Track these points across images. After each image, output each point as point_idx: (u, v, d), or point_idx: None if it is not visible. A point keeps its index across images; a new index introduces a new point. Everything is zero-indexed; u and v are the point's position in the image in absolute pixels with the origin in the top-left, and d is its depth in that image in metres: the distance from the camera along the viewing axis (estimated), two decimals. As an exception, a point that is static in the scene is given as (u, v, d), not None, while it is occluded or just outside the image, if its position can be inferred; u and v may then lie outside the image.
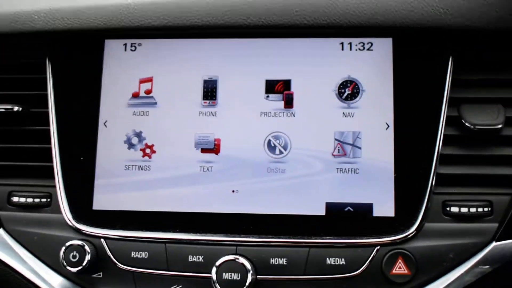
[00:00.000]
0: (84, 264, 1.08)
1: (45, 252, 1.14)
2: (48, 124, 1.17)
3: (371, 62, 1.13)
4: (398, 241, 1.07)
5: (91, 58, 1.19)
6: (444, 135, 1.10)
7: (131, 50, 1.19)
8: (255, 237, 1.09)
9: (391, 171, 1.10)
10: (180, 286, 1.09)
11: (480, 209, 1.08)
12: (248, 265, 1.05)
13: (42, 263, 1.15)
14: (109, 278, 1.11)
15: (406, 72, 1.12)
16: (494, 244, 1.07)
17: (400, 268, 1.06)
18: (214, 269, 1.05)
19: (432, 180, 1.08)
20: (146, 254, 1.10)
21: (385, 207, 1.09)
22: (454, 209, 1.09)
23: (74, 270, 1.09)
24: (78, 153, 1.16)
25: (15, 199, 1.18)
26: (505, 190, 1.10)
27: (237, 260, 1.05)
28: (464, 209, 1.08)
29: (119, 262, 1.11)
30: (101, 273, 1.12)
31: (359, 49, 1.14)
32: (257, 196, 1.10)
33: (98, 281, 1.12)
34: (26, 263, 1.14)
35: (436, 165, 1.08)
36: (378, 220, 1.08)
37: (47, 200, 1.17)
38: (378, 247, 1.07)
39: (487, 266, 1.07)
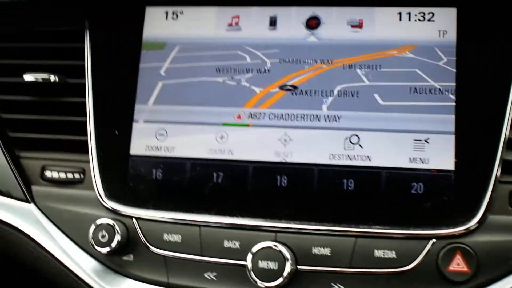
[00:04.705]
0: (113, 244, 1.02)
1: (75, 231, 1.08)
2: (84, 95, 1.11)
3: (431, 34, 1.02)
4: (456, 234, 0.95)
5: (131, 27, 1.12)
6: (513, 117, 0.97)
7: (173, 18, 1.11)
8: (297, 224, 0.99)
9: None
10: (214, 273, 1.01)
11: (553, 202, 0.95)
12: (287, 253, 0.96)
13: (73, 243, 1.08)
14: (140, 262, 1.04)
15: (471, 47, 1.00)
16: None
17: (458, 265, 0.94)
18: (249, 256, 0.96)
19: (497, 167, 0.96)
20: (179, 237, 1.03)
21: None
22: (523, 201, 0.96)
23: (103, 250, 1.02)
24: (114, 127, 1.10)
25: (48, 173, 1.12)
26: None
27: (275, 247, 0.96)
28: (535, 201, 0.96)
29: (151, 245, 1.04)
30: (131, 255, 1.05)
31: (419, 19, 1.03)
32: None
33: (129, 264, 1.05)
34: (56, 242, 1.08)
35: (503, 150, 0.96)
36: (436, 210, 0.96)
37: (80, 176, 1.11)
38: (434, 240, 0.96)
39: (559, 267, 0.94)
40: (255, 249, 0.97)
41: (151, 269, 1.04)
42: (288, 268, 0.95)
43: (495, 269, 0.94)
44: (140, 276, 1.04)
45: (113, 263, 1.06)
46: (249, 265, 0.96)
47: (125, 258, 1.05)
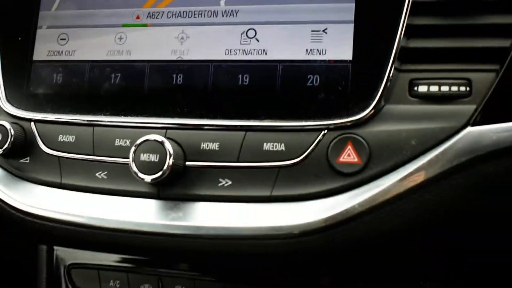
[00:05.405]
0: (5, 146, 1.00)
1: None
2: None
3: None
4: (349, 124, 0.89)
5: None
6: (413, 2, 0.90)
7: None
8: (186, 119, 0.95)
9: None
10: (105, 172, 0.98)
11: (454, 88, 0.88)
12: (169, 147, 0.91)
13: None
14: (36, 164, 1.02)
15: None
16: (469, 129, 0.87)
17: (349, 156, 0.88)
18: (132, 149, 0.92)
19: (395, 55, 0.89)
20: (73, 137, 1.00)
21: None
22: (423, 88, 0.89)
23: (-4, 151, 1.01)
24: (18, 34, 1.08)
25: None
26: (488, 66, 0.89)
27: (158, 141, 0.92)
28: (434, 88, 0.89)
29: (46, 146, 1.01)
30: (28, 158, 1.03)
31: None
32: None
33: (26, 167, 1.03)
34: None
35: (401, 37, 0.89)
36: (331, 102, 0.91)
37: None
38: (325, 131, 0.90)
39: (458, 157, 0.86)
40: (138, 142, 0.92)
41: (46, 171, 1.02)
42: (169, 161, 0.90)
43: (387, 160, 0.88)
44: (36, 177, 1.02)
45: (11, 166, 1.04)
46: (131, 157, 0.92)
47: (22, 160, 1.03)
